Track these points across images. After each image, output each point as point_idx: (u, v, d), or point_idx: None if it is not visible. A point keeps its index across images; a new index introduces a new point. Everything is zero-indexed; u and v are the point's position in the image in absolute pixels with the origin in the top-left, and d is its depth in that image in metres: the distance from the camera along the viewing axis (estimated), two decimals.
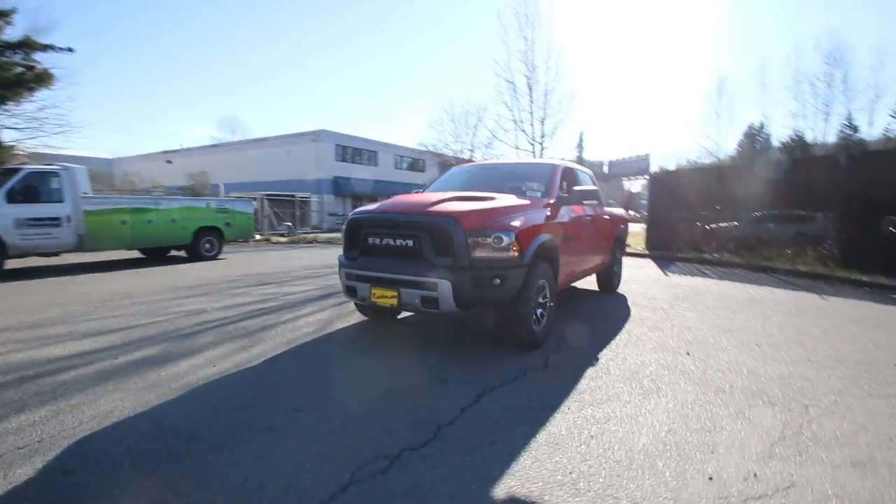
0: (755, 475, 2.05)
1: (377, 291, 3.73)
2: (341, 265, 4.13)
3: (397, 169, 37.01)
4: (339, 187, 30.84)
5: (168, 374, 3.24)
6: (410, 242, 3.63)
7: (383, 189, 34.20)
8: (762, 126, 47.63)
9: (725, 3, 67.63)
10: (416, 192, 5.28)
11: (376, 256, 3.84)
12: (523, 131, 19.68)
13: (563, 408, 2.77)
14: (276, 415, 2.63)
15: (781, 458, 2.21)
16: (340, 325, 4.71)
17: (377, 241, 3.83)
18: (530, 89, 19.13)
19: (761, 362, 3.68)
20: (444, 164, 36.83)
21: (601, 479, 2.01)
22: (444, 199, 3.90)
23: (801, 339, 4.40)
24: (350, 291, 4.00)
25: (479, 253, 3.47)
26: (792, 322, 5.10)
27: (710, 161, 35.04)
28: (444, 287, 3.42)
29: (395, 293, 3.62)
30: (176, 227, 10.14)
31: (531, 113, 19.31)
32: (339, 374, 3.38)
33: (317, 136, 30.01)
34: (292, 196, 21.87)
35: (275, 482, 1.96)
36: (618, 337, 4.37)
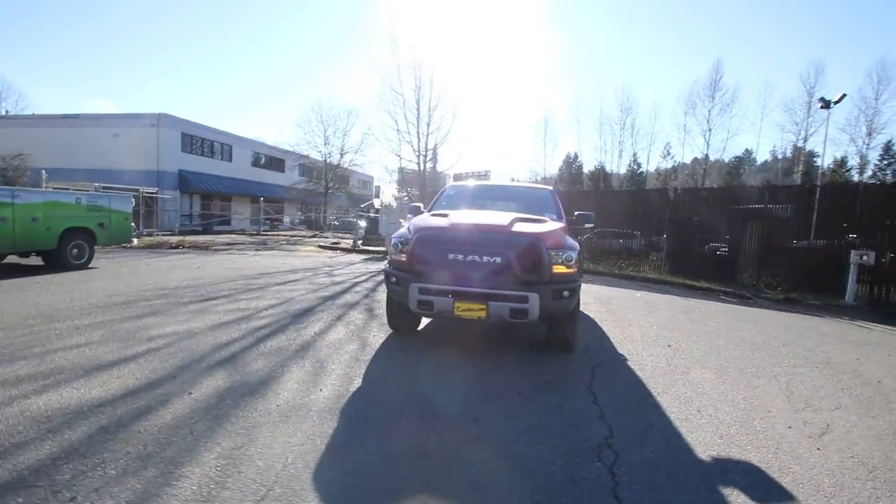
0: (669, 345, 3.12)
1: (461, 305, 3.93)
2: (401, 280, 4.18)
3: (255, 167, 33.69)
4: (186, 182, 26.69)
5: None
6: (499, 259, 3.96)
7: (239, 188, 30.81)
8: (576, 156, 57.67)
9: (554, 48, 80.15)
10: (435, 211, 5.39)
11: (458, 272, 4.02)
12: (409, 143, 20.41)
13: (644, 377, 3.55)
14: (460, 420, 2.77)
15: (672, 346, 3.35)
16: (377, 342, 4.67)
17: (459, 257, 4.03)
18: (418, 104, 19.98)
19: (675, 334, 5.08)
20: (305, 165, 35.14)
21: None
22: (515, 220, 4.32)
23: (674, 323, 6.09)
24: (424, 306, 4.06)
25: (557, 269, 4.02)
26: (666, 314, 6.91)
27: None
28: (533, 300, 3.86)
29: (484, 306, 3.89)
30: (38, 228, 7.83)
31: (417, 126, 20.17)
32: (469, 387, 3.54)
33: (158, 120, 25.44)
34: (136, 191, 18.22)
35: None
36: (604, 334, 5.38)
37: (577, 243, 4.39)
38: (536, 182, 51.87)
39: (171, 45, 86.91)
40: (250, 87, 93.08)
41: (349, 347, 4.36)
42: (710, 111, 44.83)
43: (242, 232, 26.58)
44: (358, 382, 3.46)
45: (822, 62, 58.57)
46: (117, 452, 2.27)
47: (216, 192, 29.13)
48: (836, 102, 22.21)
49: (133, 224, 10.49)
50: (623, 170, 52.35)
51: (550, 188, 6.07)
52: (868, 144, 40.25)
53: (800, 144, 44.60)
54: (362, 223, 21.66)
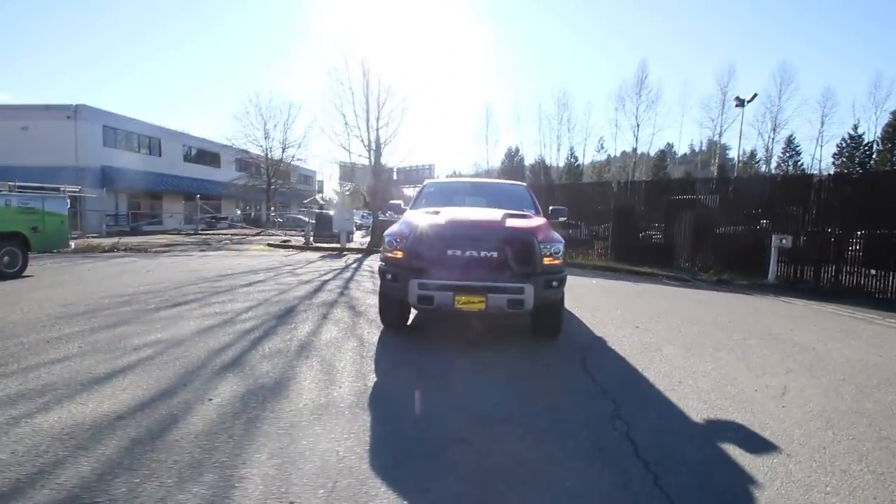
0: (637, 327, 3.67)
1: (462, 298, 4.13)
2: (399, 276, 4.29)
3: (188, 162, 31.44)
4: (111, 180, 24.44)
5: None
6: (496, 254, 4.19)
7: (170, 184, 28.69)
8: (518, 150, 59.33)
9: (494, 44, 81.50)
10: (425, 208, 5.50)
11: (456, 267, 4.21)
12: (359, 137, 20.06)
13: (626, 352, 3.97)
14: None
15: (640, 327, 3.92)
16: (373, 338, 4.75)
17: (458, 252, 4.21)
18: (367, 98, 19.67)
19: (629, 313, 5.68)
20: (243, 160, 33.42)
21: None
22: (506, 216, 4.56)
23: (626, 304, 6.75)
24: (425, 301, 4.20)
25: (547, 261, 4.32)
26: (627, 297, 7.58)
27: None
28: (528, 290, 4.14)
29: (483, 299, 4.12)
30: None
31: (367, 120, 19.87)
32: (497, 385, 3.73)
33: (75, 112, 22.99)
34: (57, 189, 16.39)
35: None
36: (578, 319, 5.81)
37: (561, 237, 4.72)
38: (478, 175, 52.81)
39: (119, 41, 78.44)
40: (190, 82, 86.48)
41: (349, 345, 4.41)
42: (637, 108, 47.95)
43: (178, 232, 24.90)
44: (373, 378, 3.56)
45: (734, 64, 64.64)
46: (164, 462, 2.25)
47: (145, 189, 26.96)
48: (749, 101, 24.61)
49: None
50: (562, 163, 54.68)
51: (524, 184, 6.42)
52: (773, 139, 45.08)
53: (715, 139, 48.95)
54: (312, 220, 21.14)
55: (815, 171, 39.66)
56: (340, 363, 3.88)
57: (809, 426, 2.96)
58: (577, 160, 54.61)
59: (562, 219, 6.06)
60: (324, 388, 3.30)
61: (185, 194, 29.06)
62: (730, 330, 5.59)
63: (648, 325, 5.68)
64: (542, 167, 54.31)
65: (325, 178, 51.51)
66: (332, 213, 21.17)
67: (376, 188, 21.33)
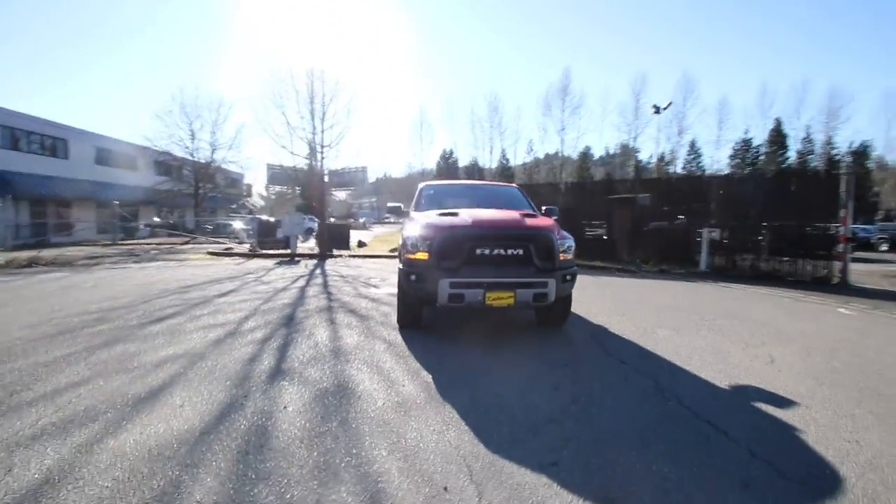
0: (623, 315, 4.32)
1: (492, 295, 4.36)
2: (425, 276, 4.42)
3: (101, 165, 28.16)
4: (8, 185, 21.29)
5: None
6: (521, 251, 4.47)
7: (80, 190, 25.63)
8: (452, 152, 60.38)
9: (424, 46, 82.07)
10: (433, 210, 5.60)
11: (484, 265, 4.43)
12: (304, 139, 19.42)
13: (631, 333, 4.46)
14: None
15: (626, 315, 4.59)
16: (397, 339, 4.82)
17: (486, 251, 4.43)
18: (311, 98, 19.11)
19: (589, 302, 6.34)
20: (166, 163, 30.68)
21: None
22: (522, 215, 4.86)
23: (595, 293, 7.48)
24: (455, 299, 4.37)
25: (562, 257, 4.68)
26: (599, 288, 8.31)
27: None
28: (552, 284, 4.48)
29: (512, 294, 4.38)
30: None
31: (312, 121, 19.30)
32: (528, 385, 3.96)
33: None
34: None
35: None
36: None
37: (569, 234, 5.11)
38: (411, 176, 52.97)
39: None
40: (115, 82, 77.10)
41: (378, 347, 4.45)
42: (562, 112, 50.92)
43: (95, 243, 22.38)
44: (427, 375, 3.67)
45: (646, 74, 70.72)
46: (291, 468, 2.25)
47: (50, 196, 23.86)
48: (664, 109, 27.22)
49: None
50: (495, 164, 56.52)
51: (516, 185, 6.77)
52: (679, 142, 50.14)
53: (630, 143, 53.38)
54: (249, 226, 20.07)
55: (716, 172, 44.71)
56: (385, 364, 3.93)
57: (806, 384, 3.58)
58: (508, 162, 56.77)
59: (554, 218, 6.50)
60: (389, 388, 3.37)
61: (97, 201, 26.13)
62: (697, 312, 6.36)
63: (631, 313, 6.27)
64: (475, 169, 55.72)
65: (253, 181, 48.99)
66: (273, 219, 20.29)
67: (323, 191, 20.77)
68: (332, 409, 2.98)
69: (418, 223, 5.02)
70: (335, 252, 17.38)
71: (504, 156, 56.79)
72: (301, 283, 9.16)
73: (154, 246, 20.64)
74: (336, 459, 2.34)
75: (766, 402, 3.20)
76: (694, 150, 50.18)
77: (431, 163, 60.78)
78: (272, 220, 18.97)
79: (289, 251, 16.87)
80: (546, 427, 2.75)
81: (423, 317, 5.18)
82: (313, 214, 23.76)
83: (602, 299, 7.31)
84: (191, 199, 29.55)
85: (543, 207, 6.26)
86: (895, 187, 46.87)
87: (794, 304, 7.31)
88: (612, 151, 62.17)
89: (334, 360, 4.01)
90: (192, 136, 28.53)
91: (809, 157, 45.97)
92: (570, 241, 4.83)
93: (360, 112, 61.90)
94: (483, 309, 4.61)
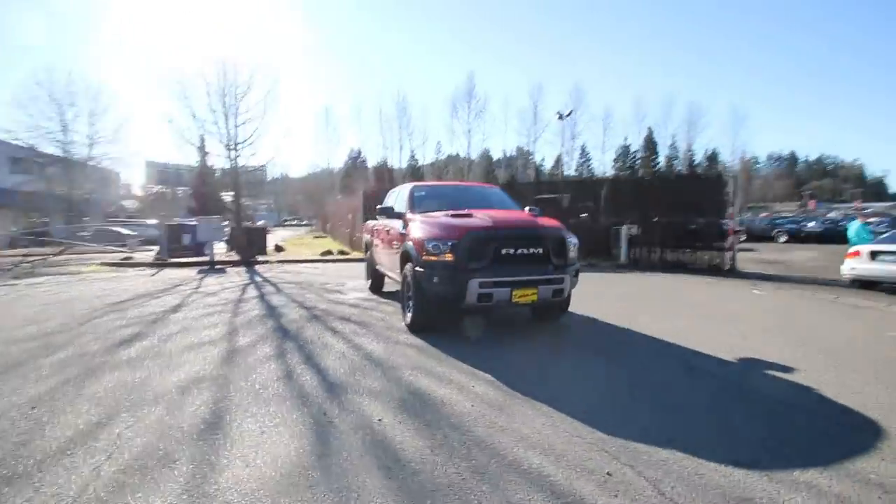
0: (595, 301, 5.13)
1: (518, 292, 4.56)
2: (450, 278, 4.48)
3: None
4: None
5: None
6: (540, 250, 4.73)
7: None
8: (360, 152, 59.24)
9: (330, 45, 78.92)
10: (435, 212, 5.56)
11: (509, 264, 4.61)
12: (215, 135, 17.64)
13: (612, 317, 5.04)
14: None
15: (597, 301, 5.40)
16: (422, 344, 4.78)
17: (511, 251, 4.61)
18: (223, 91, 17.43)
19: None
20: (28, 159, 25.46)
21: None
22: (534, 216, 5.13)
23: None
24: (484, 298, 4.49)
25: (571, 254, 5.05)
26: None
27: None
28: (567, 280, 4.83)
29: (535, 290, 4.63)
30: None
31: (225, 116, 17.61)
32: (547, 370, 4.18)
33: None
34: None
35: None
36: None
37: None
38: (317, 175, 50.98)
39: None
40: None
41: (411, 353, 4.37)
42: (468, 115, 52.80)
43: None
44: (484, 374, 3.73)
45: (543, 83, 76.14)
46: (470, 474, 2.22)
47: None
48: (567, 115, 29.70)
49: None
50: (404, 164, 56.63)
51: (498, 187, 7.01)
52: (572, 147, 55.00)
53: (528, 147, 57.19)
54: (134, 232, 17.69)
55: (604, 174, 49.84)
56: (434, 369, 3.90)
57: (791, 352, 4.36)
58: (417, 162, 57.25)
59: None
60: (464, 391, 3.38)
61: None
62: (653, 299, 7.25)
63: (602, 303, 6.91)
64: (386, 169, 55.29)
65: (127, 181, 43.02)
66: (188, 223, 18.23)
67: (238, 192, 19.12)
68: (429, 416, 2.94)
69: (430, 225, 5.02)
70: (259, 259, 16.15)
71: (413, 156, 57.21)
72: (253, 292, 8.47)
73: (21, 258, 17.19)
74: (477, 458, 2.36)
75: (771, 369, 3.86)
76: (584, 154, 55.41)
77: (338, 162, 59.02)
78: (188, 223, 16.98)
79: (202, 259, 15.33)
80: (634, 406, 3.04)
81: (440, 320, 5.10)
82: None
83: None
84: (60, 202, 25.01)
85: (527, 208, 6.60)
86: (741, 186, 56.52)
87: (713, 288, 8.64)
88: (509, 153, 66.06)
89: (379, 369, 3.88)
90: (64, 129, 24.14)
91: (675, 161, 53.46)
92: (576, 240, 5.21)
93: (278, 108, 57.15)
94: (506, 306, 4.76)
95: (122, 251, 19.04)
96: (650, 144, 53.70)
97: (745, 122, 78.45)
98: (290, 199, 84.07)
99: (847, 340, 4.91)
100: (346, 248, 19.79)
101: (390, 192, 7.71)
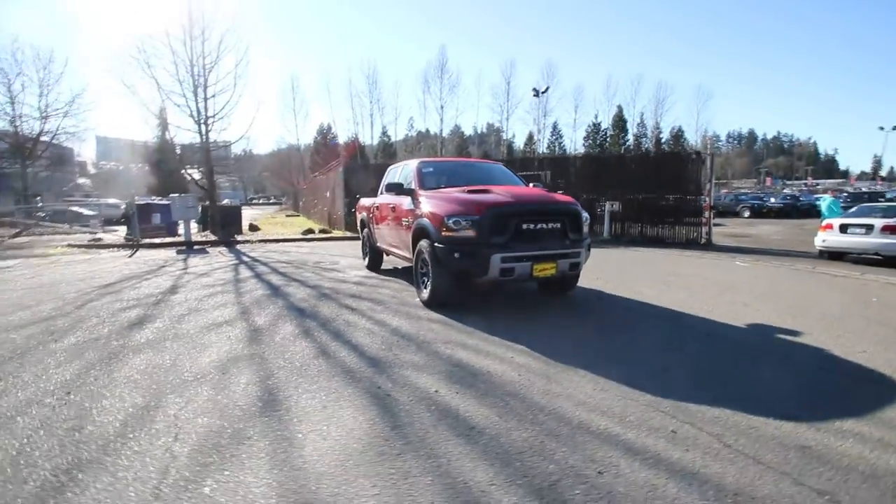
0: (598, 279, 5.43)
1: (539, 266, 4.66)
2: (472, 253, 4.52)
3: None
4: None
5: None
6: (559, 225, 4.83)
7: None
8: (330, 127, 57.58)
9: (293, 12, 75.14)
10: (446, 188, 5.56)
11: (530, 239, 4.69)
12: (184, 108, 16.71)
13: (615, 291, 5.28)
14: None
15: (600, 279, 5.71)
16: (455, 321, 4.83)
17: (531, 226, 4.69)
18: (191, 58, 16.44)
19: None
20: None
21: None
22: (548, 192, 5.19)
23: None
24: (506, 273, 4.57)
25: (584, 229, 5.18)
26: None
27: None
28: (583, 254, 4.97)
29: (554, 264, 4.74)
30: None
31: (194, 88, 16.66)
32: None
33: None
34: None
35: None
36: None
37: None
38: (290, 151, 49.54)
39: None
40: None
41: (437, 328, 4.41)
42: (441, 91, 51.99)
43: None
44: (520, 346, 3.84)
45: (515, 59, 75.55)
46: (504, 436, 2.32)
47: None
48: (543, 92, 29.73)
49: None
50: (376, 141, 55.51)
51: (500, 163, 7.02)
52: (544, 124, 55.23)
53: (499, 123, 57.05)
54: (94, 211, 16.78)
55: (576, 151, 50.42)
56: (470, 342, 3.94)
57: (793, 319, 4.67)
58: (390, 139, 56.23)
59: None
60: (505, 361, 3.47)
61: None
62: (643, 273, 7.54)
63: (602, 276, 7.13)
64: (357, 145, 54.03)
65: (86, 158, 40.43)
66: (153, 202, 17.42)
67: (211, 169, 18.33)
68: (482, 386, 3.02)
69: (448, 201, 5.02)
70: (238, 238, 15.68)
71: (385, 132, 56.09)
72: (247, 272, 8.27)
73: None
74: (563, 430, 2.47)
75: (780, 333, 4.15)
76: (556, 131, 55.82)
77: (307, 138, 57.23)
78: (159, 202, 16.22)
79: (177, 239, 14.79)
80: (669, 371, 3.22)
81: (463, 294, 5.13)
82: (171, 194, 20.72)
83: None
84: (8, 181, 23.24)
85: (531, 184, 6.68)
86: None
87: (698, 261, 9.06)
88: (481, 131, 65.78)
89: (412, 344, 3.91)
90: (12, 101, 22.18)
91: (643, 139, 54.66)
92: (586, 215, 5.34)
93: (249, 80, 53.70)
94: (526, 280, 4.86)
95: (87, 232, 18.03)
96: (620, 122, 54.64)
97: (708, 101, 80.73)
98: (255, 177, 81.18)
99: (840, 306, 5.31)
100: (325, 227, 19.45)
101: (390, 168, 7.60)
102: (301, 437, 2.40)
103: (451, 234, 4.72)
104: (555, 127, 55.72)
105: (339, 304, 5.45)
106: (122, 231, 17.28)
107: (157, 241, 14.52)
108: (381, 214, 7.09)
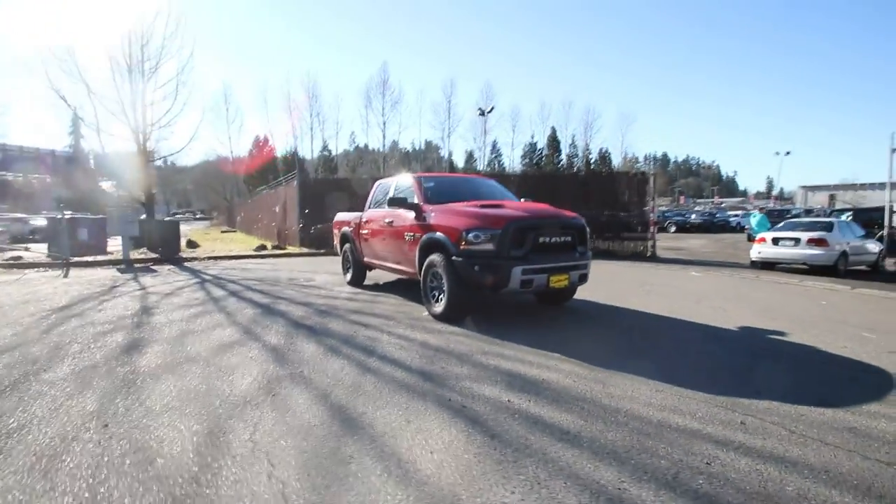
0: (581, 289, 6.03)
1: (554, 278, 4.90)
2: (492, 265, 4.67)
3: None
4: None
5: None
6: (569, 238, 5.12)
7: None
8: (267, 139, 55.43)
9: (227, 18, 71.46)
10: (449, 203, 5.64)
11: (545, 252, 4.92)
12: (115, 114, 15.35)
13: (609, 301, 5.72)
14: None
15: (584, 289, 6.30)
16: (483, 330, 4.89)
17: (547, 239, 4.92)
18: (129, 63, 15.20)
19: None
20: None
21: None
22: (556, 207, 5.47)
23: None
24: (526, 284, 4.76)
25: (588, 242, 5.52)
26: None
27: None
28: (589, 266, 5.29)
29: (567, 276, 5.01)
30: None
31: (131, 94, 15.38)
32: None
33: None
34: None
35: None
36: None
37: None
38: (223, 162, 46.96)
39: None
40: None
41: (464, 340, 4.46)
42: (383, 106, 52.14)
43: None
44: (555, 355, 4.00)
45: (455, 79, 77.58)
46: (604, 438, 2.46)
47: None
48: (488, 112, 30.83)
49: None
50: (316, 155, 54.20)
51: (493, 179, 7.25)
52: (484, 142, 57.10)
53: (442, 142, 58.21)
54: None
55: (514, 170, 52.49)
56: (507, 353, 4.04)
57: (771, 321, 5.26)
58: (331, 153, 55.15)
59: None
60: (552, 370, 3.61)
61: None
62: (614, 284, 8.10)
63: (585, 287, 7.53)
64: (295, 159, 52.39)
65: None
66: (79, 216, 15.72)
67: (150, 181, 16.94)
68: (547, 393, 3.13)
69: (463, 215, 5.12)
70: (184, 255, 14.58)
71: (326, 146, 54.95)
72: (218, 291, 7.76)
73: None
74: (650, 428, 2.63)
75: (768, 333, 4.68)
76: (496, 149, 57.91)
77: (243, 150, 54.51)
78: (88, 217, 14.68)
79: (109, 257, 13.51)
80: (701, 370, 3.53)
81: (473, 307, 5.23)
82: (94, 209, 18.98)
83: None
84: None
85: (523, 199, 6.97)
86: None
87: (657, 271, 9.87)
88: (418, 147, 66.66)
89: (451, 358, 3.93)
90: None
91: (575, 158, 58.25)
92: (588, 229, 5.69)
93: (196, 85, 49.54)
94: (542, 291, 5.09)
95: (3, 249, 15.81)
96: (554, 143, 57.96)
97: (632, 124, 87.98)
98: (180, 190, 75.56)
99: (801, 309, 6.08)
100: (277, 243, 18.61)
101: (378, 182, 7.56)
102: (406, 452, 2.36)
103: (470, 247, 4.82)
104: (494, 145, 57.93)
105: (346, 321, 5.31)
106: (39, 249, 15.39)
107: (88, 259, 13.09)
108: (372, 229, 7.01)
